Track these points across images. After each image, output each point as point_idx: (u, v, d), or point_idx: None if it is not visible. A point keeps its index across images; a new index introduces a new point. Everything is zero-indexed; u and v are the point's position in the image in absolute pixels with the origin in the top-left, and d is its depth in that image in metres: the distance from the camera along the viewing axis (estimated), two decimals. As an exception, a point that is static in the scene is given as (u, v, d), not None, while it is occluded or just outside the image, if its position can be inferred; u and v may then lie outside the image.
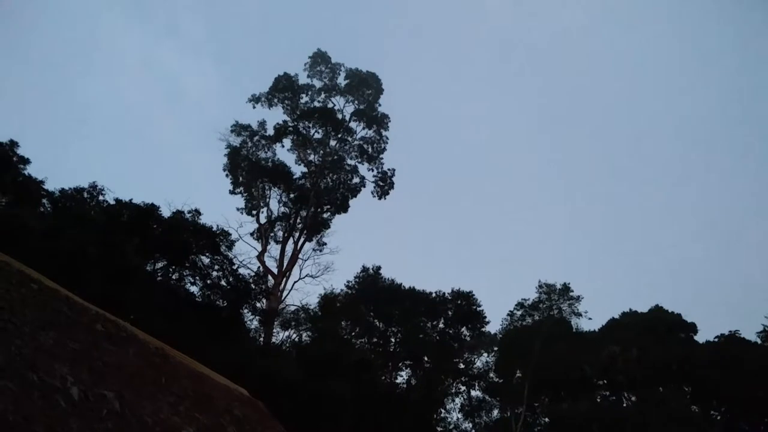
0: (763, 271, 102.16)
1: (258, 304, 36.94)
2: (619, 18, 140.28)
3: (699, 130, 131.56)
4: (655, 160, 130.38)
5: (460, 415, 52.00)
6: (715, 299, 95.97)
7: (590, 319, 52.00)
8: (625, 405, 48.71)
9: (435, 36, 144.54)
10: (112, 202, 30.37)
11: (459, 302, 50.28)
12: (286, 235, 49.39)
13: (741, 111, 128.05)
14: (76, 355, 10.24)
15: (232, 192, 50.41)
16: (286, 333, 44.31)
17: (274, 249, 48.49)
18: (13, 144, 28.89)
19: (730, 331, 46.82)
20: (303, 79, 52.81)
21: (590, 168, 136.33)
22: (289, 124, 51.58)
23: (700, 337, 49.39)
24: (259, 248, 47.22)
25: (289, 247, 48.69)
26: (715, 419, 46.43)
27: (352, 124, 52.48)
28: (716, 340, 47.26)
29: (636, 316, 51.79)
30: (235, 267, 34.09)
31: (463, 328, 51.13)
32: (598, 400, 50.13)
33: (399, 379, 48.22)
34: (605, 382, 50.88)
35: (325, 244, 49.93)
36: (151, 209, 30.60)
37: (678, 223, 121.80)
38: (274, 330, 42.79)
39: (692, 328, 49.99)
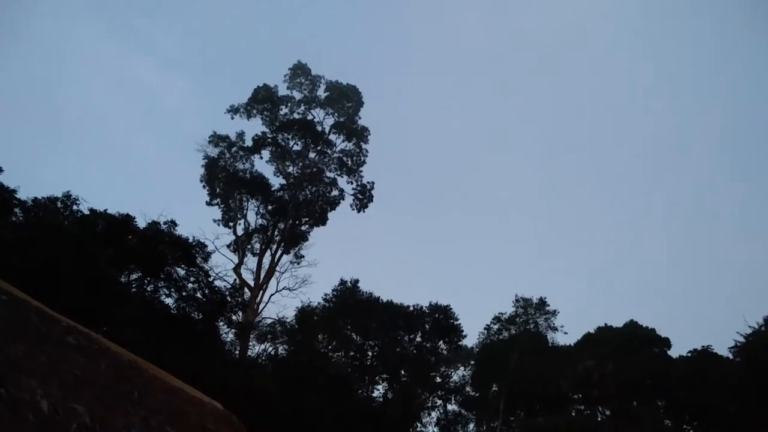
0: (736, 287, 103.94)
1: (234, 317, 36.62)
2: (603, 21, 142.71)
3: (674, 143, 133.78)
4: (630, 174, 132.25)
5: (436, 429, 52.07)
6: (689, 314, 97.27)
7: (566, 333, 52.62)
8: (599, 419, 49.01)
9: (416, 46, 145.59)
10: (87, 213, 29.91)
11: (436, 316, 50.25)
12: (263, 247, 49.06)
13: (720, 124, 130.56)
14: (46, 368, 10.02)
15: (209, 203, 50.00)
16: (263, 346, 43.96)
17: (251, 261, 48.18)
18: (-16, 153, 28.32)
19: (703, 347, 47.45)
20: (282, 91, 52.83)
21: (566, 182, 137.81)
22: (268, 135, 51.40)
23: (674, 352, 50.03)
24: (236, 260, 46.87)
25: (266, 259, 48.39)
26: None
27: (332, 137, 52.53)
28: (689, 355, 47.83)
29: (611, 330, 52.27)
30: (211, 279, 33.82)
31: (441, 342, 51.07)
32: (573, 414, 50.39)
33: (376, 393, 48.04)
34: (580, 396, 51.21)
35: (303, 256, 49.70)
36: (126, 220, 30.23)
37: (653, 238, 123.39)
38: (250, 343, 42.42)
39: (666, 343, 50.56)
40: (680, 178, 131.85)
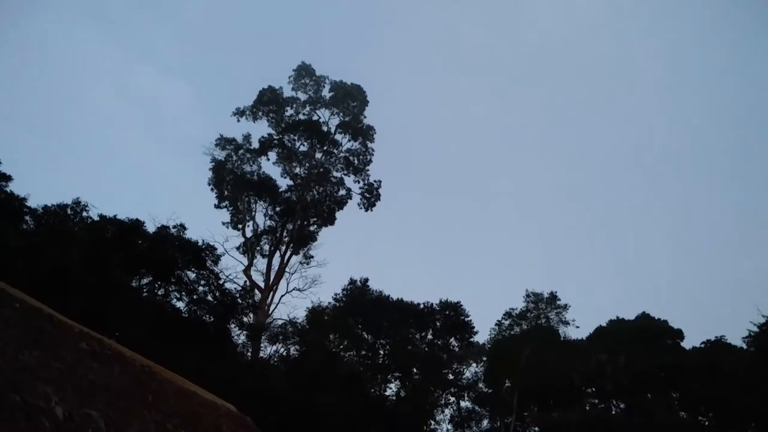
0: (748, 276, 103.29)
1: (245, 319, 36.75)
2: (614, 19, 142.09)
3: (686, 135, 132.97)
4: (641, 166, 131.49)
5: (450, 427, 51.83)
6: (701, 305, 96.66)
7: (578, 327, 52.30)
8: (614, 413, 48.80)
9: (421, 43, 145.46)
10: (96, 219, 30.08)
11: (447, 313, 50.25)
12: (272, 248, 49.21)
13: (731, 117, 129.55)
14: (60, 374, 10.07)
15: (217, 206, 50.24)
16: (274, 347, 44.02)
17: (260, 263, 48.39)
18: (-7, 162, 28.43)
19: (716, 337, 47.16)
20: (287, 92, 52.99)
21: (577, 176, 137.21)
22: (274, 137, 51.57)
23: (687, 344, 49.74)
24: (246, 262, 47.09)
25: (276, 260, 48.58)
26: (702, 425, 46.65)
27: (338, 137, 52.66)
28: (702, 346, 47.55)
29: (623, 323, 52.00)
30: (221, 281, 33.95)
31: (452, 339, 51.07)
32: (587, 408, 50.18)
33: (388, 392, 48.07)
34: (594, 390, 51.00)
35: (312, 257, 49.85)
36: (136, 225, 30.38)
37: (664, 230, 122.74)
38: (262, 344, 42.51)
39: (679, 334, 50.27)
40: (690, 170, 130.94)
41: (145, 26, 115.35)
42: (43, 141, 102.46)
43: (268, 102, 52.10)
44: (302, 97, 53.09)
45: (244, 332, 37.49)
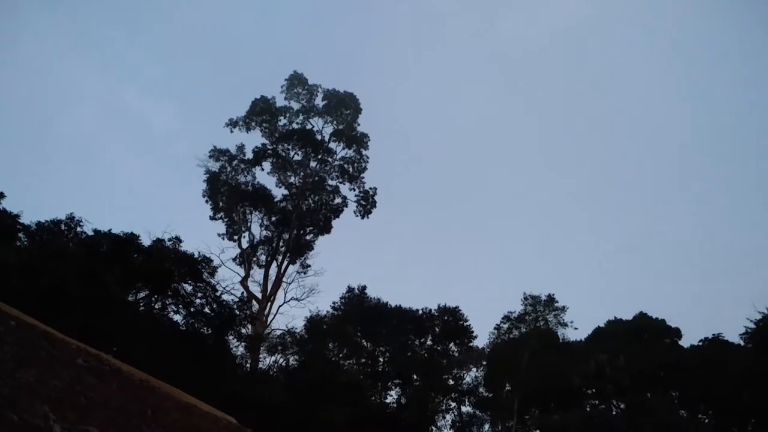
0: (744, 273, 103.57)
1: (243, 330, 36.64)
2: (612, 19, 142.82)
3: (686, 134, 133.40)
4: (640, 166, 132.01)
5: (451, 432, 51.71)
6: (698, 303, 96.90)
7: (576, 329, 52.30)
8: (614, 413, 48.74)
9: (413, 48, 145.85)
10: (91, 234, 29.98)
11: (446, 318, 50.21)
12: (269, 258, 49.13)
13: (733, 117, 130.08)
14: (58, 391, 10.03)
15: (212, 218, 50.16)
16: (273, 358, 43.90)
17: (257, 273, 48.25)
18: (-15, 179, 28.44)
19: (714, 335, 47.21)
20: (280, 102, 52.97)
21: (573, 175, 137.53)
22: (268, 147, 51.58)
23: (685, 342, 49.80)
24: (242, 273, 46.92)
25: (273, 270, 48.48)
26: (703, 422, 46.63)
27: (332, 145, 52.69)
28: (700, 343, 47.59)
29: (621, 323, 52.03)
30: (218, 293, 33.76)
31: (451, 344, 51.01)
32: (588, 409, 50.10)
33: (389, 399, 47.88)
34: (594, 391, 50.95)
35: (309, 266, 49.80)
36: (131, 238, 30.28)
37: (659, 228, 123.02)
38: (261, 355, 42.38)
39: (677, 333, 50.32)
40: (689, 169, 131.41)
41: (132, 43, 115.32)
42: (34, 162, 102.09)
43: (261, 112, 52.11)
44: (295, 106, 53.18)
45: (243, 344, 37.37)
